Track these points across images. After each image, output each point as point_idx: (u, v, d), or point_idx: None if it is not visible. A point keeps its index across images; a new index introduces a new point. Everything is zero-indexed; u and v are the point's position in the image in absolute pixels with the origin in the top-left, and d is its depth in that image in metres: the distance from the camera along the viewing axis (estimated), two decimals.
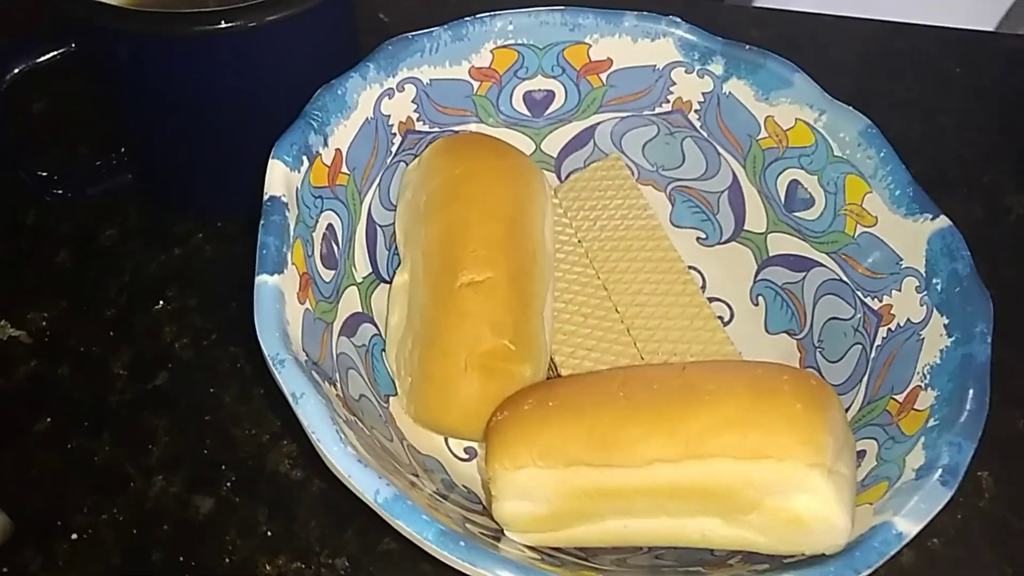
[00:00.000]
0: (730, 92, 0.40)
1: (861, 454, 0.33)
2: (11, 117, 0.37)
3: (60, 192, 0.42)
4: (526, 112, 0.42)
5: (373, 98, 0.38)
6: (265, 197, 0.32)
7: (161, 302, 0.42)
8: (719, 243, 0.43)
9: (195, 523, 0.36)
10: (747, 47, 0.40)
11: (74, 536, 0.35)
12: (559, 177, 0.44)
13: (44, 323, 0.41)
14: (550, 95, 0.42)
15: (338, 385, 0.32)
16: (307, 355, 0.31)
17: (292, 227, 0.32)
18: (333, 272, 0.36)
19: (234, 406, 0.39)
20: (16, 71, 0.36)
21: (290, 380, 0.28)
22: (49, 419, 0.38)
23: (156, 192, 0.45)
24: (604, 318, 0.39)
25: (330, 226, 0.36)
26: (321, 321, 0.34)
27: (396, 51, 0.38)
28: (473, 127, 0.42)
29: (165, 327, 0.41)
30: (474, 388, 0.34)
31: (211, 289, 0.43)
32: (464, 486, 0.35)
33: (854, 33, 0.55)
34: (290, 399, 0.28)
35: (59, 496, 0.36)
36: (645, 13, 0.40)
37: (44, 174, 0.41)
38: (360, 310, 0.37)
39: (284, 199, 0.32)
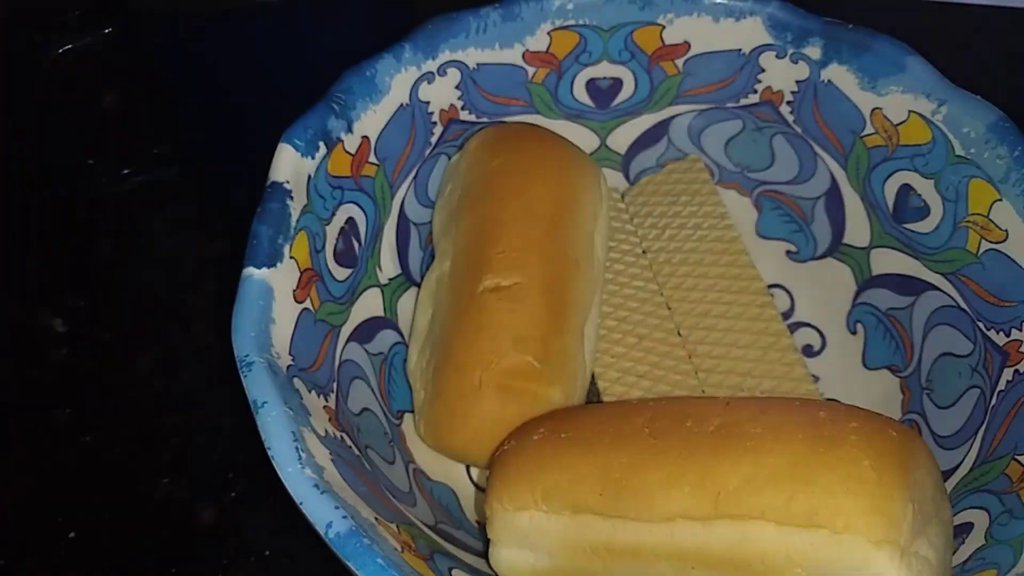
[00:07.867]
0: (829, 80, 0.34)
1: (966, 528, 0.26)
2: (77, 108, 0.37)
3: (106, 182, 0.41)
4: (589, 103, 0.38)
5: (409, 82, 0.34)
6: (267, 183, 0.29)
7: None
8: (812, 258, 0.36)
9: (194, 533, 0.33)
10: (850, 26, 0.33)
11: (72, 535, 0.33)
12: (627, 178, 0.39)
13: (79, 313, 0.40)
14: (617, 83, 0.37)
15: (332, 396, 0.29)
16: (293, 359, 0.27)
17: (295, 217, 0.29)
18: (350, 271, 0.32)
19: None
20: (60, 51, 0.35)
21: (254, 386, 0.25)
22: (69, 410, 0.37)
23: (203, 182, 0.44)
24: (663, 340, 0.34)
25: (351, 220, 0.32)
26: (324, 323, 0.30)
27: (437, 30, 0.34)
28: (529, 119, 0.38)
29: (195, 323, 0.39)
30: (488, 409, 0.29)
31: None
32: (477, 522, 0.31)
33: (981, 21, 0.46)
34: (252, 406, 0.25)
35: (64, 491, 0.35)
36: None
37: (92, 163, 0.40)
38: (382, 315, 0.34)
39: (288, 186, 0.29)
